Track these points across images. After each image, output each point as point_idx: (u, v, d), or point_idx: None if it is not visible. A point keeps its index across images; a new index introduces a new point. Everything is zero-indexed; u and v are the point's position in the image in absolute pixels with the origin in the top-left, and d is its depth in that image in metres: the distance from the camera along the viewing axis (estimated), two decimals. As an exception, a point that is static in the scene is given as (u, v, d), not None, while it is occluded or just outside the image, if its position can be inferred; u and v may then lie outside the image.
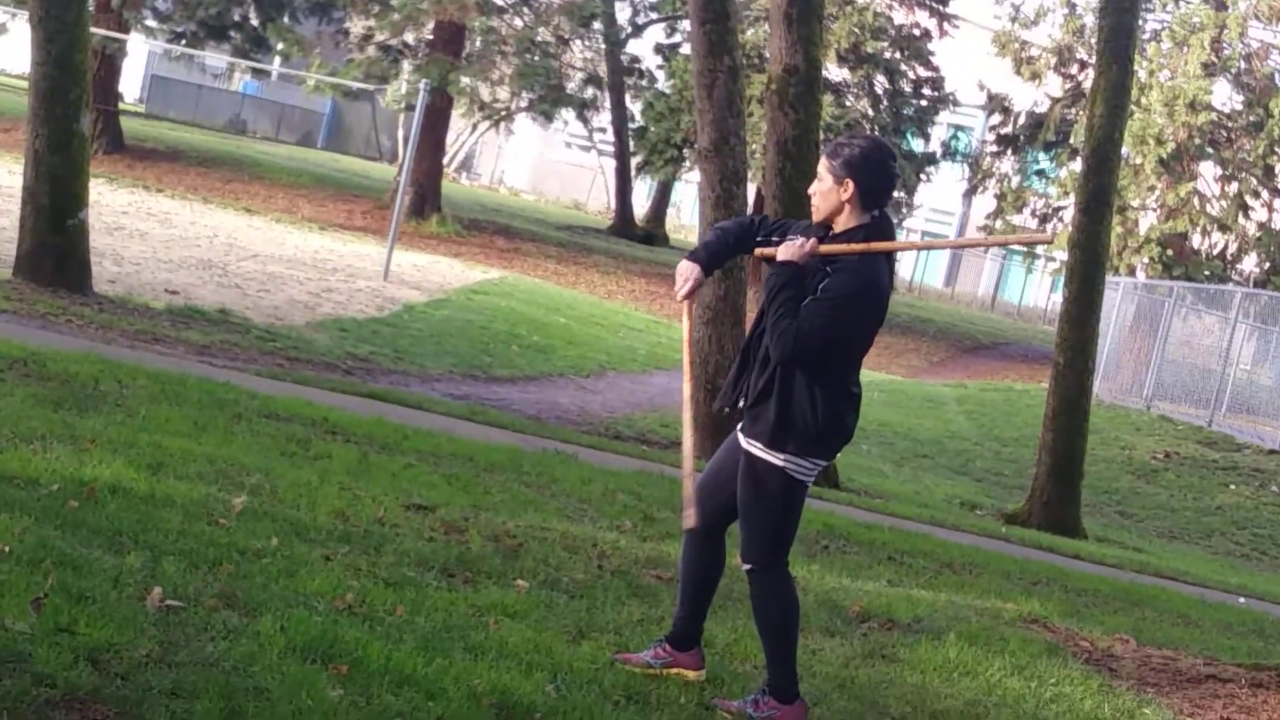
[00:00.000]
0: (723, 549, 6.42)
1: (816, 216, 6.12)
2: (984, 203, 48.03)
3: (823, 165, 6.11)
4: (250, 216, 34.89)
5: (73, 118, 16.28)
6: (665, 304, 37.13)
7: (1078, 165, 25.54)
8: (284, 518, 7.44)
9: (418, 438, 11.09)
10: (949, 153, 48.60)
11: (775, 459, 6.03)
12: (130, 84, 58.39)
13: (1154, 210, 40.14)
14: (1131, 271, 39.08)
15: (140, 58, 61.23)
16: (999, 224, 44.10)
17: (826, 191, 6.06)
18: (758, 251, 6.34)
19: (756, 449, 6.06)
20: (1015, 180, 44.86)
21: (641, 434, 16.92)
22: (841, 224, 6.07)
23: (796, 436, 5.99)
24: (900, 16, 44.65)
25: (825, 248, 6.03)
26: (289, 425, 10.34)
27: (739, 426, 6.19)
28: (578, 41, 43.90)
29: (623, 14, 47.32)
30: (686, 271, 6.19)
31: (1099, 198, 17.41)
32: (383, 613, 6.25)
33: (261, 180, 41.95)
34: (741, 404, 6.13)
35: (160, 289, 18.74)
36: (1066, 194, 40.37)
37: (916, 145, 47.09)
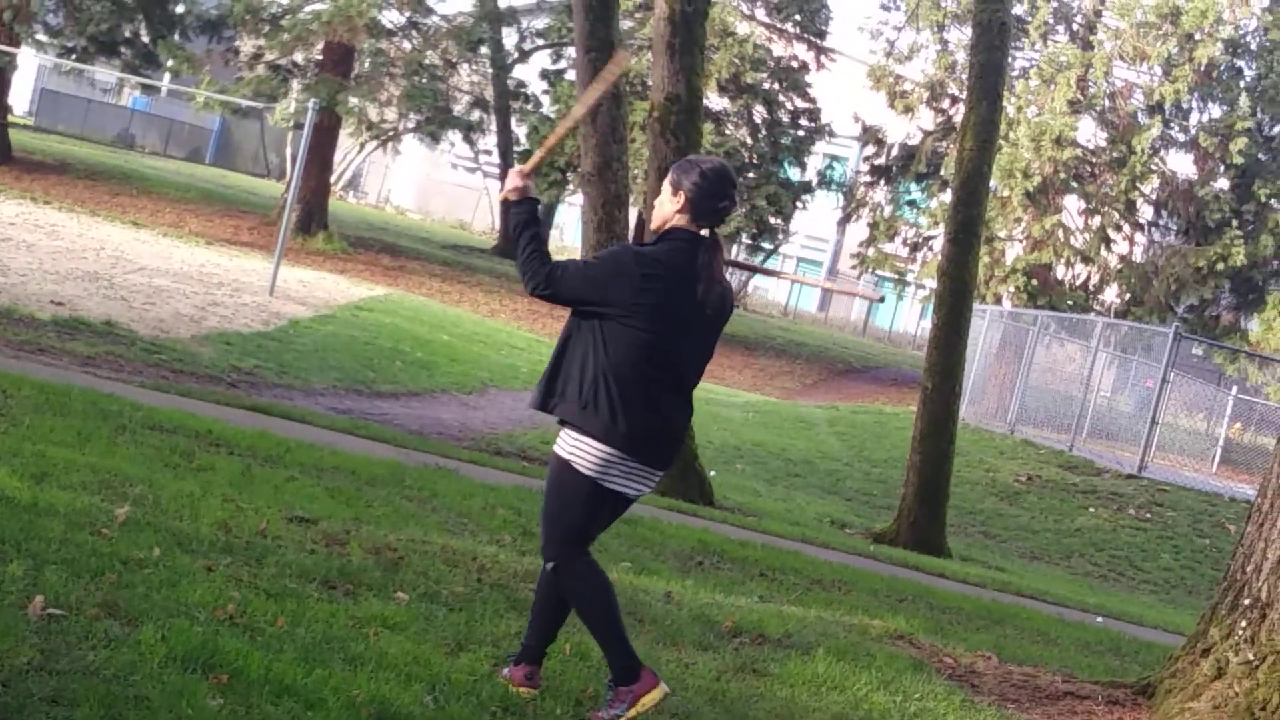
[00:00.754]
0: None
1: (652, 226, 6.28)
2: (857, 231, 48.56)
3: (667, 179, 6.29)
4: (138, 230, 34.65)
5: (-41, 129, 16.20)
6: (547, 323, 37.29)
7: (948, 196, 26.00)
8: (167, 528, 7.41)
9: (301, 451, 11.11)
10: (824, 182, 49.11)
11: (563, 452, 6.08)
12: (20, 97, 57.83)
13: (1020, 241, 40.85)
14: (998, 300, 39.72)
15: (30, 71, 60.65)
16: (871, 251, 44.65)
17: (662, 200, 6.24)
18: (500, 195, 6.52)
19: (557, 444, 6.16)
20: (888, 210, 45.41)
21: (522, 450, 17.03)
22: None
23: (565, 405, 6.04)
24: (779, 49, 45.16)
25: (529, 164, 6.32)
26: (173, 437, 10.33)
27: None
28: (465, 65, 44.05)
29: (509, 40, 47.51)
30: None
31: (967, 228, 17.72)
32: (264, 623, 6.25)
33: (149, 195, 41.69)
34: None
35: (46, 300, 18.60)
36: (937, 224, 41.01)
37: (793, 174, 47.56)
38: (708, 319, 6.21)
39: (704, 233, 6.19)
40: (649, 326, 6.02)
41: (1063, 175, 40.06)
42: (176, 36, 42.35)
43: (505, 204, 6.29)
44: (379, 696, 5.66)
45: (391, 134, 45.05)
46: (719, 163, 6.33)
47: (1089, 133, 41.69)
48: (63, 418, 10.01)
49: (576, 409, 6.03)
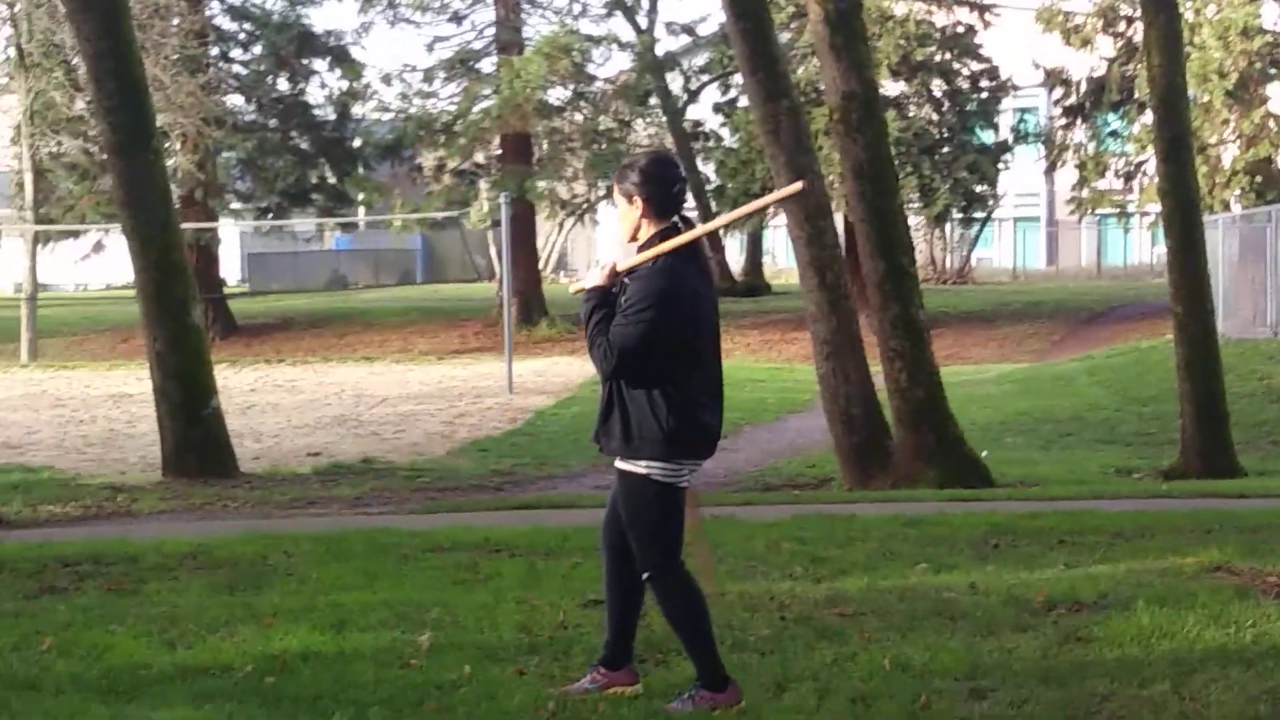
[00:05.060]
0: (635, 570, 6.59)
1: (623, 238, 6.46)
2: (1066, 176, 47.75)
3: (616, 189, 6.46)
4: (370, 364, 35.55)
5: (183, 313, 16.71)
6: (782, 349, 37.31)
7: (1148, 118, 25.42)
8: (470, 644, 7.55)
9: (578, 535, 11.15)
10: (1020, 137, 48.41)
11: (637, 468, 6.33)
12: (230, 267, 59.65)
13: (1233, 142, 39.83)
14: (1226, 206, 38.72)
15: (234, 241, 62.54)
16: (1085, 193, 43.87)
17: (623, 213, 6.44)
18: (572, 289, 6.68)
19: (621, 463, 6.40)
20: (1091, 147, 44.62)
21: (790, 480, 16.94)
22: (643, 237, 6.40)
23: (647, 442, 6.28)
24: (941, 19, 44.62)
25: (623, 265, 6.36)
26: (454, 554, 10.45)
27: None
28: (639, 120, 44.38)
29: (675, 84, 47.68)
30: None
31: (1177, 144, 17.32)
32: (586, 714, 6.35)
33: (373, 327, 42.80)
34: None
35: (302, 454, 19.07)
36: (1144, 148, 40.17)
37: (987, 137, 46.98)
38: (713, 299, 6.53)
39: (676, 221, 6.39)
40: (687, 335, 6.29)
41: (1259, 65, 39.04)
42: (360, 170, 43.50)
43: (588, 292, 6.44)
44: (715, 757, 5.66)
45: (585, 206, 45.53)
46: (656, 154, 6.62)
47: (1275, 16, 40.56)
48: (346, 562, 10.20)
49: (659, 445, 6.29)
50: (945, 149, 44.41)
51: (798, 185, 7.53)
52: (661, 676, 6.91)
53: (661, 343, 6.20)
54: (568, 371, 31.11)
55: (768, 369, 33.10)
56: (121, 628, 8.09)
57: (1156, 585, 8.59)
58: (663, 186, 6.38)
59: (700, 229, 6.43)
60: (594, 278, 6.40)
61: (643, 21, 47.84)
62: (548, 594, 8.83)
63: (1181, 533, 10.96)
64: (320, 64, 44.14)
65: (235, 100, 43.83)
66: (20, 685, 6.95)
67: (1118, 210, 46.10)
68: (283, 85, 44.05)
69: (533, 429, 21.82)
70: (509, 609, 8.35)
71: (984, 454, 16.52)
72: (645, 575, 6.46)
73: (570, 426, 21.77)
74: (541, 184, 41.61)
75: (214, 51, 43.24)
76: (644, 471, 6.32)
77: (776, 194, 7.51)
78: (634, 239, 6.44)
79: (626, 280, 6.32)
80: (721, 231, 49.89)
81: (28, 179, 39.85)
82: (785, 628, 7.85)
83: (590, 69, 42.74)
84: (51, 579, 9.94)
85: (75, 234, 43.96)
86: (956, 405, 16.61)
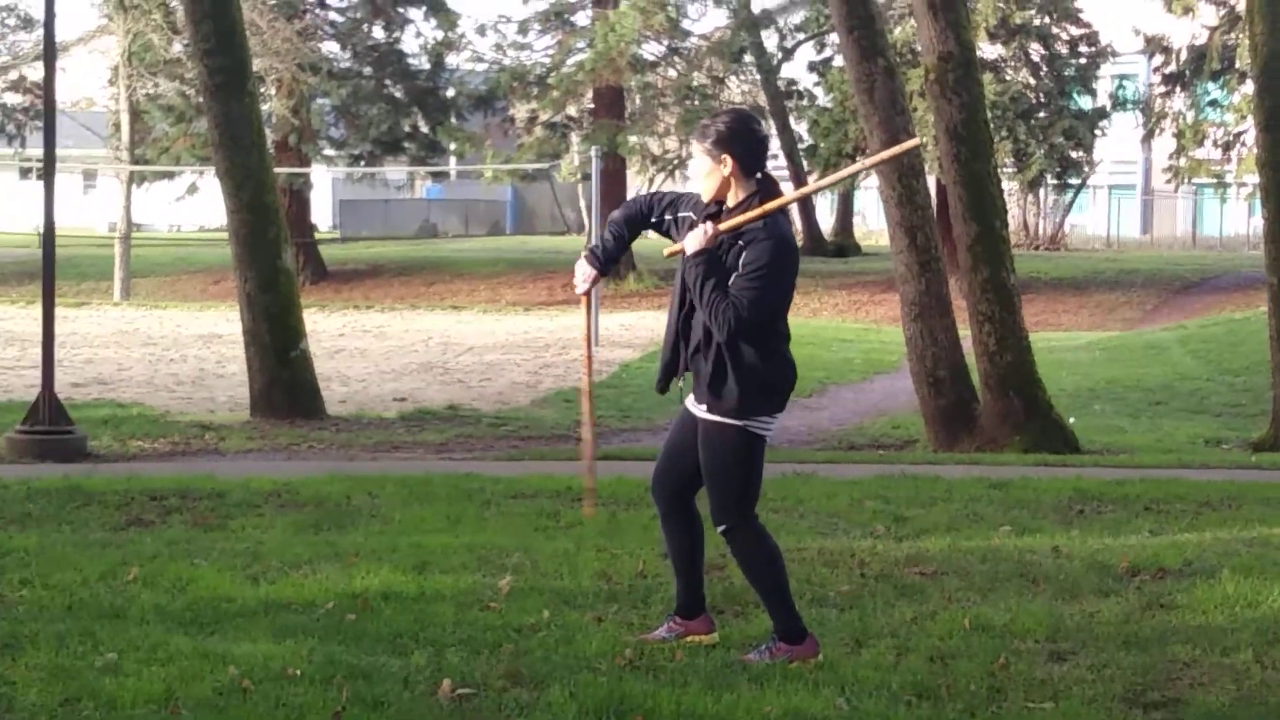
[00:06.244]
0: (696, 517, 6.65)
1: (706, 197, 6.39)
2: (1164, 144, 47.22)
3: (697, 149, 6.40)
4: (458, 313, 35.73)
5: (275, 256, 16.81)
6: (870, 310, 37.21)
7: (1249, 87, 25.03)
8: (550, 589, 7.60)
9: (659, 488, 11.24)
10: (1118, 103, 47.95)
11: (738, 422, 6.29)
12: (321, 213, 59.93)
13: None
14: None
15: (325, 187, 62.77)
16: (1183, 162, 43.36)
17: (709, 173, 6.36)
18: (666, 251, 6.59)
19: (717, 418, 6.31)
20: (1190, 116, 44.06)
21: (874, 440, 16.89)
22: (733, 198, 6.35)
23: (763, 398, 6.29)
24: (1042, -19, 44.20)
25: (723, 225, 6.27)
26: (536, 501, 10.51)
27: (688, 401, 6.47)
28: (732, 78, 44.24)
29: (770, 42, 47.44)
30: (585, 272, 6.51)
31: (1277, 114, 17.07)
32: (663, 661, 6.37)
33: (462, 277, 43.00)
34: (680, 383, 6.46)
35: (389, 399, 19.20)
36: (1244, 118, 39.60)
37: (1084, 103, 46.50)
38: None
39: (760, 176, 6.38)
40: (791, 294, 6.37)
41: (1364, 34, 38.40)
42: (453, 120, 43.61)
43: (680, 254, 6.41)
44: (791, 708, 5.73)
45: (676, 162, 45.49)
46: (737, 111, 6.56)
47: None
48: (429, 505, 10.27)
49: (767, 401, 6.32)
50: (1041, 114, 44.02)
51: (915, 141, 7.48)
52: (740, 628, 6.93)
53: (782, 301, 6.29)
54: (655, 325, 31.09)
55: (855, 329, 33.03)
56: (206, 562, 8.20)
57: (1243, 554, 8.54)
58: (749, 144, 6.36)
59: (812, 186, 6.48)
60: (696, 240, 6.28)
61: (740, -22, 47.66)
62: (627, 544, 8.87)
63: (1269, 504, 10.87)
64: (416, 13, 44.26)
65: (331, 47, 44.04)
66: (106, 614, 7.05)
67: (1215, 180, 45.56)
68: (378, 33, 44.16)
69: (618, 382, 21.84)
70: (589, 557, 8.40)
71: (1071, 420, 16.40)
72: (722, 529, 6.45)
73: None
74: (633, 139, 41.60)
75: (311, -2, 43.47)
76: (743, 424, 6.30)
77: (894, 150, 7.47)
78: (717, 198, 6.38)
79: (741, 242, 6.24)
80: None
81: (124, 120, 40.29)
82: (865, 585, 7.85)
83: (685, 24, 42.69)
84: (139, 512, 10.10)
85: (170, 175, 44.35)
86: (1045, 371, 16.49)
